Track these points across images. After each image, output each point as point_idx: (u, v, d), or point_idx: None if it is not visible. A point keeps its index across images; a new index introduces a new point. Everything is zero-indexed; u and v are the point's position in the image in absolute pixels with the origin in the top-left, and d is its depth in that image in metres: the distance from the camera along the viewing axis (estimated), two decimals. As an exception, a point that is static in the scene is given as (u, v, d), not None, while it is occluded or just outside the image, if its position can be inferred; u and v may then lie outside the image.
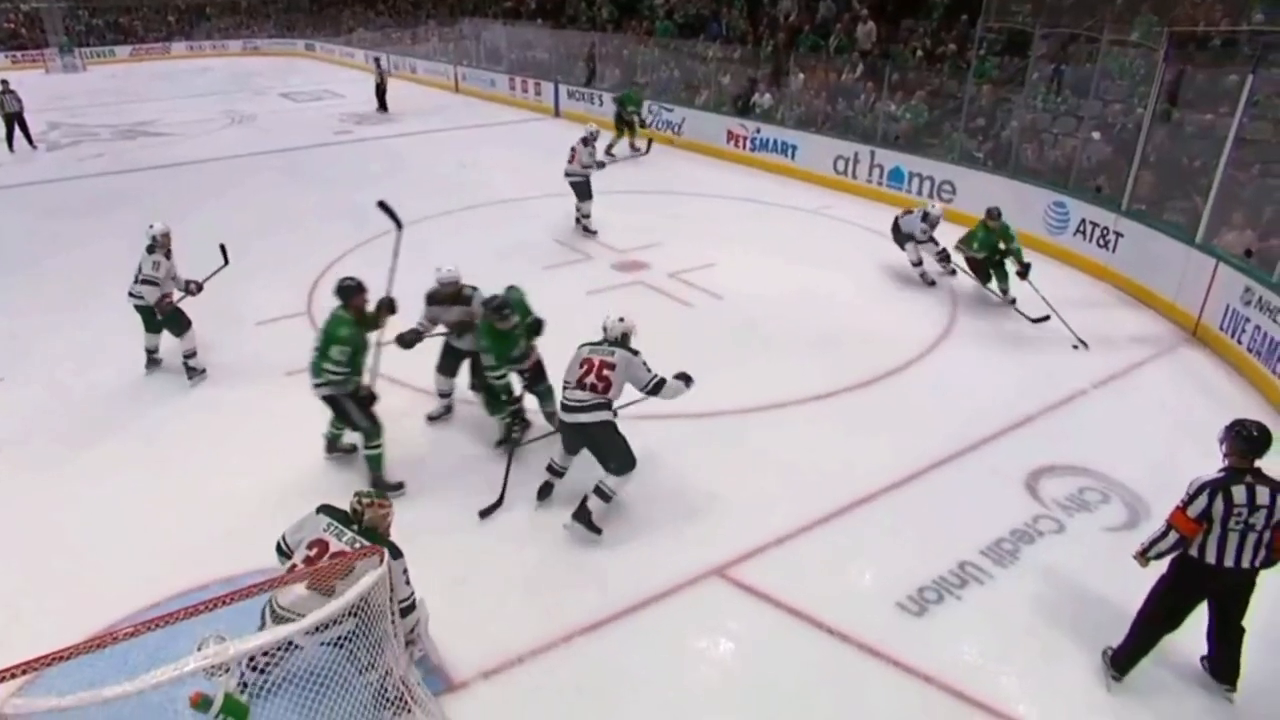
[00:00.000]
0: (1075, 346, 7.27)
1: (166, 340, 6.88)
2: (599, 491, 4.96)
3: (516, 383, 5.88)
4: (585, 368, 4.97)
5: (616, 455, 4.95)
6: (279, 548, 3.83)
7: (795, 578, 4.66)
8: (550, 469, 5.31)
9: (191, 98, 22.99)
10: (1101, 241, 9.24)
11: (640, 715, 3.88)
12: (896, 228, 9.02)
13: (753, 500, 5.31)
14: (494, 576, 4.70)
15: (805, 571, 4.74)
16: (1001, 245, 8.07)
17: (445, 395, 6.24)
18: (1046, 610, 4.48)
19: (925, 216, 8.72)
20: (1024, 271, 7.95)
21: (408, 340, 5.80)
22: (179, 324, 6.73)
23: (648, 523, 5.15)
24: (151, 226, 6.61)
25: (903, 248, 9.00)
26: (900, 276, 9.11)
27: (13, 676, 2.51)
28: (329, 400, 5.28)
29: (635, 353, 5.02)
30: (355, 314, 5.23)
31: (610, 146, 10.52)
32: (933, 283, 8.95)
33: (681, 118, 16.01)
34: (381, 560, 3.37)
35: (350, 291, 5.24)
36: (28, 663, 2.53)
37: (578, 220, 10.75)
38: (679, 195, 12.73)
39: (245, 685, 3.57)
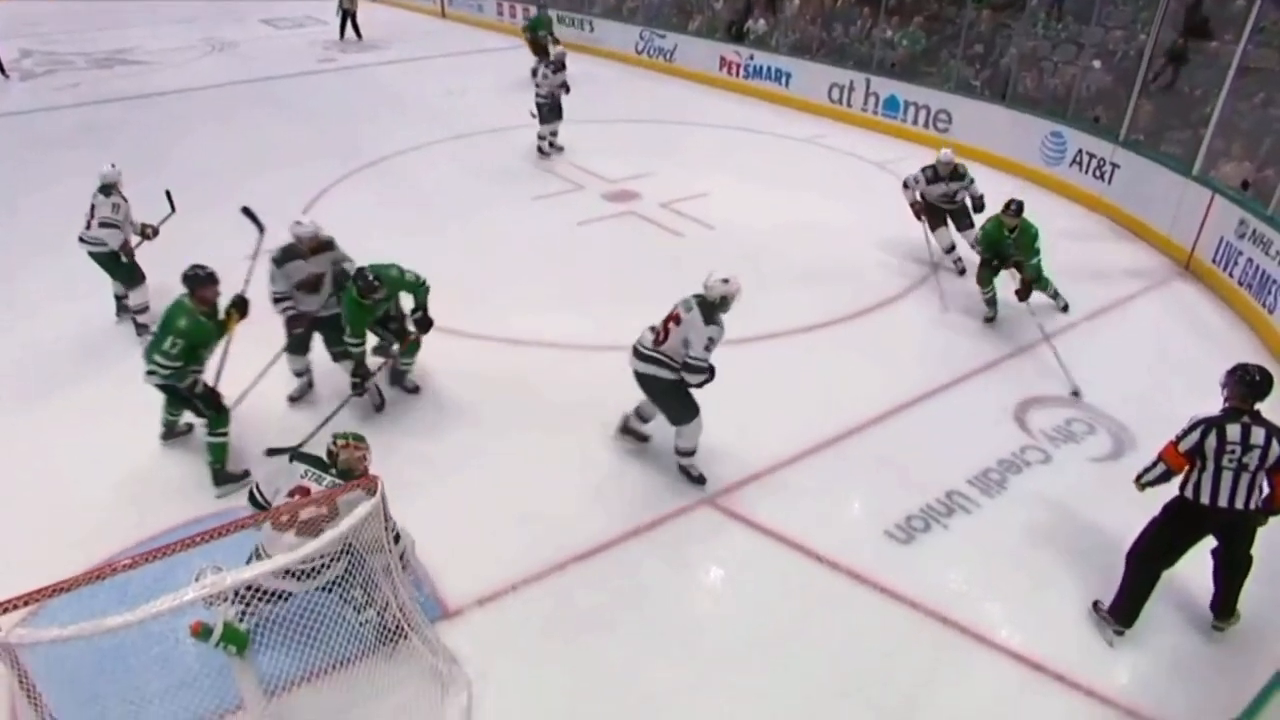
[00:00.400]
0: (1074, 393, 5.85)
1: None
2: (678, 451, 4.96)
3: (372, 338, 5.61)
4: (669, 312, 4.76)
5: (671, 409, 4.84)
6: (252, 497, 3.83)
7: (786, 506, 4.74)
8: (638, 412, 5.13)
9: (169, 24, 22.21)
10: (1098, 173, 9.14)
11: (632, 641, 3.97)
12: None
13: (744, 430, 5.34)
14: (489, 508, 4.75)
15: (796, 500, 4.81)
16: (1016, 251, 6.43)
17: (303, 373, 5.76)
18: (1032, 539, 4.57)
19: (931, 166, 7.44)
20: (1024, 292, 6.37)
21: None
22: (133, 276, 6.38)
23: (641, 452, 5.21)
24: (112, 166, 6.26)
25: (933, 229, 7.61)
26: (893, 209, 8.95)
27: (15, 608, 2.55)
28: (163, 389, 4.86)
29: (713, 321, 4.58)
30: (200, 305, 4.73)
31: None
32: (964, 271, 7.59)
33: (674, 44, 15.60)
34: (374, 489, 3.38)
35: (197, 281, 4.73)
36: (30, 594, 2.57)
37: (551, 144, 10.74)
38: (671, 124, 12.52)
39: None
